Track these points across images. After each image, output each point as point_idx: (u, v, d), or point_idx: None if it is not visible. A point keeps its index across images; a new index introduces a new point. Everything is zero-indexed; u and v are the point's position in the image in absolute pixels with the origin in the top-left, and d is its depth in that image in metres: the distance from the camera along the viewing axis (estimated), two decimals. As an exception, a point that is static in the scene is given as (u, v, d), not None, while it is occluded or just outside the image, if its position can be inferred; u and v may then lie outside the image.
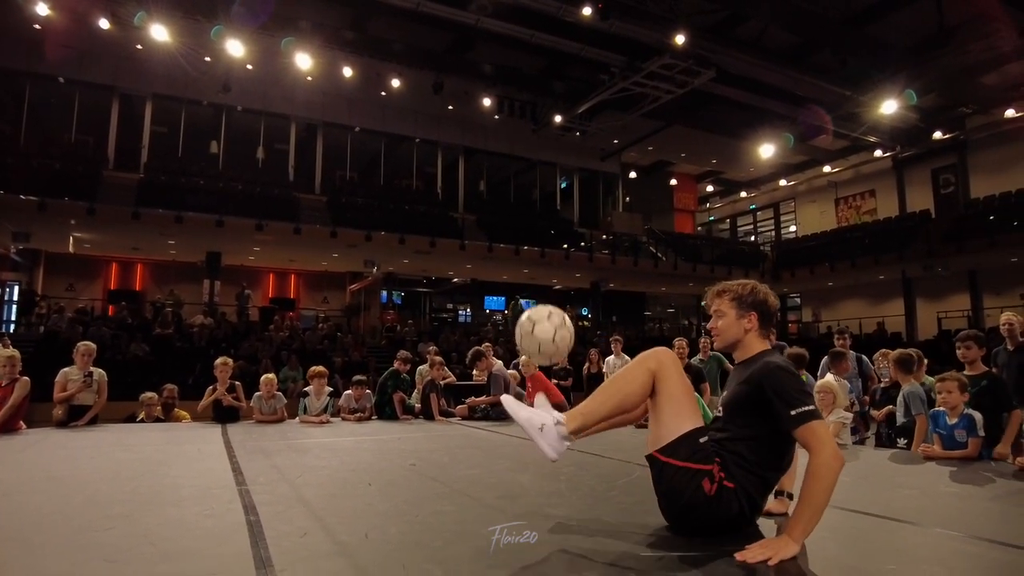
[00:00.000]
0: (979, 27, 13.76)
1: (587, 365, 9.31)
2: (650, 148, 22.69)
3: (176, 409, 6.71)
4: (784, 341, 8.28)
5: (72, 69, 16.07)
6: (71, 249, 16.48)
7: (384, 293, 21.52)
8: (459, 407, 6.98)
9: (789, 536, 1.81)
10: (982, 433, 3.72)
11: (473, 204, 21.07)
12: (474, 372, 7.87)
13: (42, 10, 12.83)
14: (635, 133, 20.53)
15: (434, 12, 13.51)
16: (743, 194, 28.15)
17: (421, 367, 7.75)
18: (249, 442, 4.60)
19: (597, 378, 8.88)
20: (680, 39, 13.50)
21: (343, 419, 6.59)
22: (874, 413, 5.28)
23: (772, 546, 1.79)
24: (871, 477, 3.36)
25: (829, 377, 5.42)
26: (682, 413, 2.05)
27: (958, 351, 4.38)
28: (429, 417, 6.65)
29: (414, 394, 7.25)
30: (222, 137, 18.17)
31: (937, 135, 19.23)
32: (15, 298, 17.16)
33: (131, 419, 6.88)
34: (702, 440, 2.02)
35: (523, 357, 7.29)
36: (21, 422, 5.31)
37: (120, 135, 16.94)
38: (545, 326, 2.36)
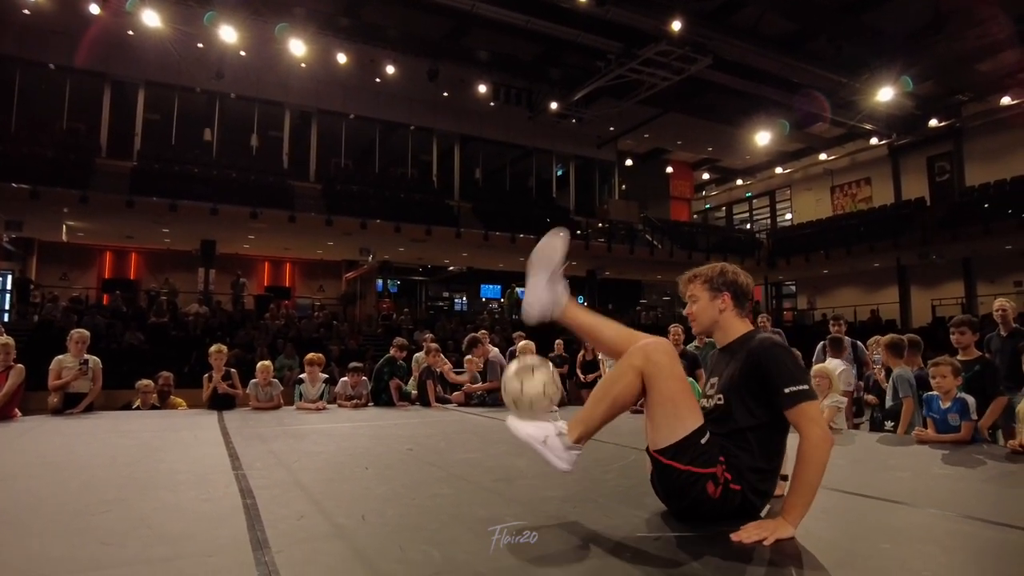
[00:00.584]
0: (974, 14, 13.73)
1: (582, 353, 9.32)
2: (646, 135, 22.63)
3: (172, 396, 6.71)
4: (779, 328, 8.30)
5: (63, 55, 15.88)
6: (64, 238, 16.38)
7: (380, 281, 21.48)
8: (455, 393, 6.99)
9: (785, 518, 1.82)
10: (975, 417, 3.75)
11: (469, 192, 20.99)
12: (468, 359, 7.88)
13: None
14: (631, 120, 20.45)
15: (429, -3, 13.40)
16: (739, 182, 28.13)
17: (417, 355, 7.76)
18: (246, 428, 4.60)
19: (592, 365, 8.90)
20: (676, 26, 13.43)
21: (339, 405, 6.61)
22: (868, 398, 5.32)
23: (768, 527, 1.80)
24: (865, 460, 3.38)
25: (829, 362, 5.46)
26: (679, 414, 1.96)
27: (952, 336, 4.41)
28: (426, 404, 6.67)
29: (411, 381, 7.26)
30: (216, 124, 18.02)
31: (933, 123, 19.23)
32: (8, 287, 17.07)
33: (127, 407, 6.88)
34: (703, 441, 1.95)
35: (521, 343, 7.31)
36: (16, 410, 5.30)
37: (112, 122, 16.78)
38: (534, 384, 2.14)
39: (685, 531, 1.89)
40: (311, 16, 14.19)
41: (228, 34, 13.53)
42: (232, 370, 6.38)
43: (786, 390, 1.88)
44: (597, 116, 18.85)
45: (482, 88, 17.21)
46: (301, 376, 6.53)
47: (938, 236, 18.39)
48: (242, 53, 15.26)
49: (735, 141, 21.51)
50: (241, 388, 6.32)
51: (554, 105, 17.78)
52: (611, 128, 21.51)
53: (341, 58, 15.55)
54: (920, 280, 20.52)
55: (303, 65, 15.87)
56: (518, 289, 22.59)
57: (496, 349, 7.51)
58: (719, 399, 2.08)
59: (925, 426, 3.96)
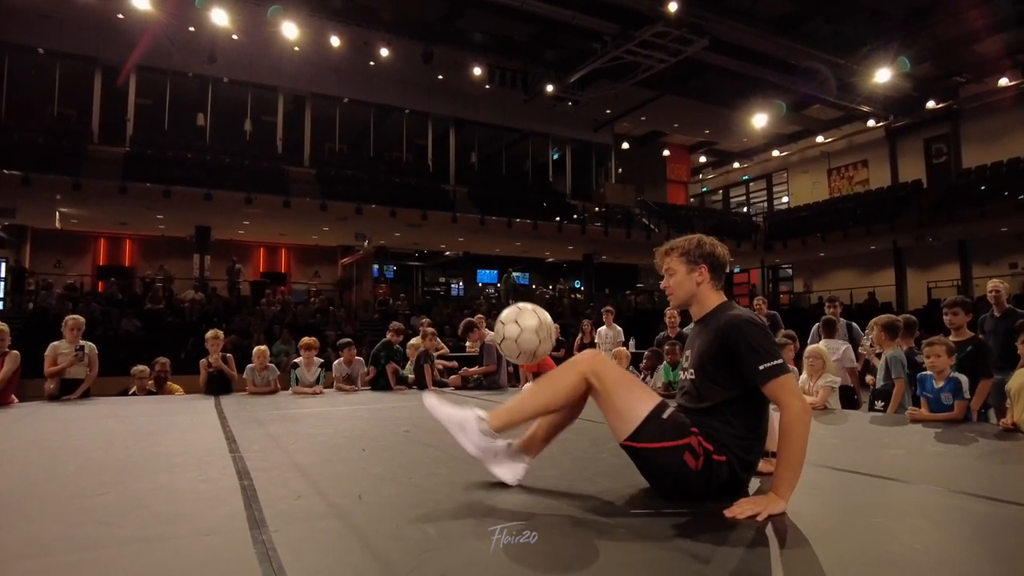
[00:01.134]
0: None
1: (580, 336, 9.35)
2: (643, 118, 22.50)
3: (169, 382, 6.72)
4: (775, 311, 8.32)
5: (52, 39, 15.67)
6: (58, 225, 16.28)
7: (376, 267, 21.45)
8: (452, 377, 7.02)
9: (776, 494, 1.83)
10: (968, 396, 3.78)
11: (464, 176, 20.89)
12: (467, 344, 7.90)
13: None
14: (628, 103, 20.33)
15: (423, -22, 13.25)
16: (736, 165, 28.06)
17: (414, 339, 7.77)
18: (243, 412, 4.61)
19: (589, 348, 8.92)
20: (673, 7, 13.31)
21: (338, 389, 6.63)
22: (868, 379, 5.37)
23: (760, 503, 1.81)
24: (859, 439, 3.41)
25: (825, 342, 5.49)
26: (632, 399, 2.01)
27: (945, 317, 4.44)
28: (423, 387, 6.69)
29: (408, 365, 7.28)
30: (208, 109, 17.85)
31: (930, 104, 19.16)
32: (2, 275, 17.00)
33: (123, 393, 6.89)
34: (666, 416, 1.98)
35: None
36: (13, 396, 5.30)
37: (104, 108, 16.61)
38: (529, 336, 2.33)
39: (679, 508, 1.91)
40: (304, -2, 14.02)
41: (219, 17, 13.37)
42: (228, 355, 6.39)
43: (760, 367, 1.89)
44: (593, 99, 18.73)
45: (477, 71, 17.06)
46: (296, 360, 6.54)
47: (934, 218, 18.41)
48: (234, 37, 15.09)
49: (732, 124, 21.42)
50: (236, 372, 6.33)
51: (550, 88, 17.65)
52: (608, 111, 21.39)
53: (335, 41, 15.38)
54: (916, 262, 20.58)
55: (296, 48, 15.71)
56: (515, 274, 22.59)
57: (492, 333, 7.52)
58: (691, 374, 2.10)
59: (918, 406, 3.99)
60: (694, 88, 19.04)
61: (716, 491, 1.96)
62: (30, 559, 1.51)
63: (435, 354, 7.28)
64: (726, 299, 2.16)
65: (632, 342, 9.86)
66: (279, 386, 6.42)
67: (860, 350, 5.78)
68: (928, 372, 3.90)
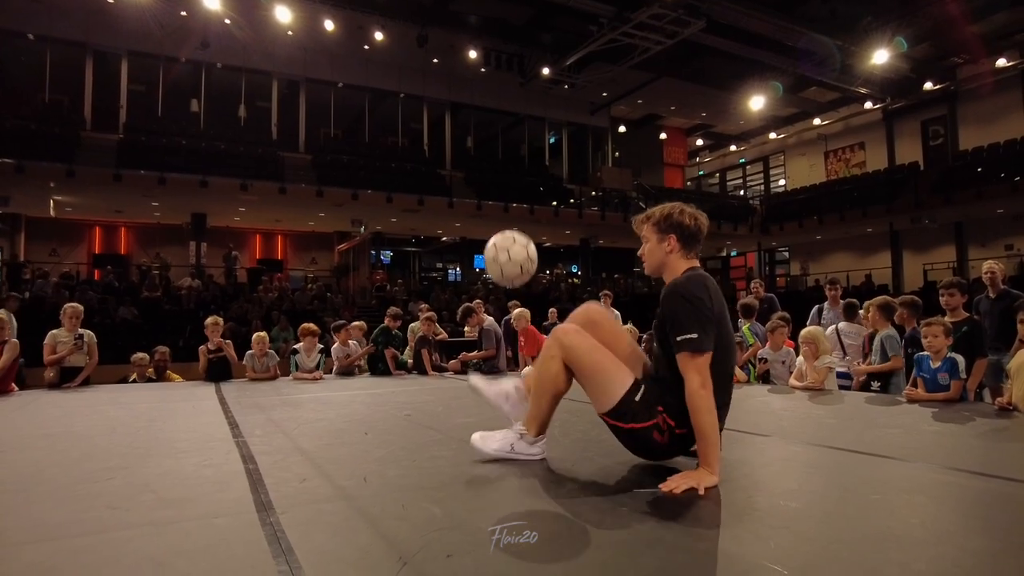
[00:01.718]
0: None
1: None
2: (640, 101, 22.39)
3: (168, 371, 6.73)
4: (772, 293, 8.34)
5: (42, 25, 15.46)
6: (52, 213, 16.18)
7: (373, 253, 21.40)
8: (452, 362, 7.04)
9: (705, 468, 1.91)
10: (964, 376, 3.81)
11: (461, 161, 20.79)
12: (465, 328, 7.93)
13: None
14: (624, 86, 20.21)
15: (416, -40, 13.09)
16: (733, 148, 27.98)
17: (413, 324, 7.79)
18: (244, 398, 4.63)
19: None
20: (670, -13, 13.20)
21: (339, 365, 6.69)
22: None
23: (694, 477, 1.88)
24: (856, 418, 3.45)
25: (842, 325, 5.51)
26: (608, 379, 2.09)
27: (941, 298, 4.47)
28: (422, 372, 6.72)
29: (406, 351, 7.31)
30: (202, 95, 17.69)
31: (928, 86, 19.10)
32: (-1, 263, 16.92)
33: (123, 381, 6.91)
34: (638, 398, 2.06)
35: (516, 311, 7.34)
36: (13, 384, 5.31)
37: (96, 94, 16.44)
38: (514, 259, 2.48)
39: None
40: (296, -19, 13.86)
41: (212, 1, 13.21)
42: (228, 341, 6.40)
43: (677, 338, 1.96)
44: (590, 82, 18.62)
45: (472, 54, 16.93)
46: (296, 346, 6.56)
47: (931, 200, 18.42)
48: (227, 21, 14.93)
49: (729, 106, 21.33)
50: (235, 356, 6.35)
51: (546, 71, 17.53)
52: (604, 94, 21.27)
53: (328, 25, 15.23)
54: (912, 244, 20.62)
55: (290, 33, 15.55)
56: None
57: (491, 318, 7.55)
58: (653, 344, 2.23)
59: (915, 385, 4.03)
60: (691, 70, 18.92)
61: (670, 453, 2.14)
62: (41, 543, 1.52)
63: (435, 338, 7.30)
64: (695, 266, 2.20)
65: (629, 325, 9.87)
66: (279, 372, 6.44)
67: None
68: (925, 352, 3.94)
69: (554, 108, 21.82)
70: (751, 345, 5.82)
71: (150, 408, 4.17)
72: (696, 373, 1.93)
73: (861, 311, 5.38)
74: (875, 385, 4.72)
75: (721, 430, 2.07)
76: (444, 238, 23.12)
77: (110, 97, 16.54)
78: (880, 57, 16.09)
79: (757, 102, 19.42)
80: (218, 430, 3.20)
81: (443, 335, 8.01)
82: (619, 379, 2.09)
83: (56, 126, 15.46)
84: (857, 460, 2.36)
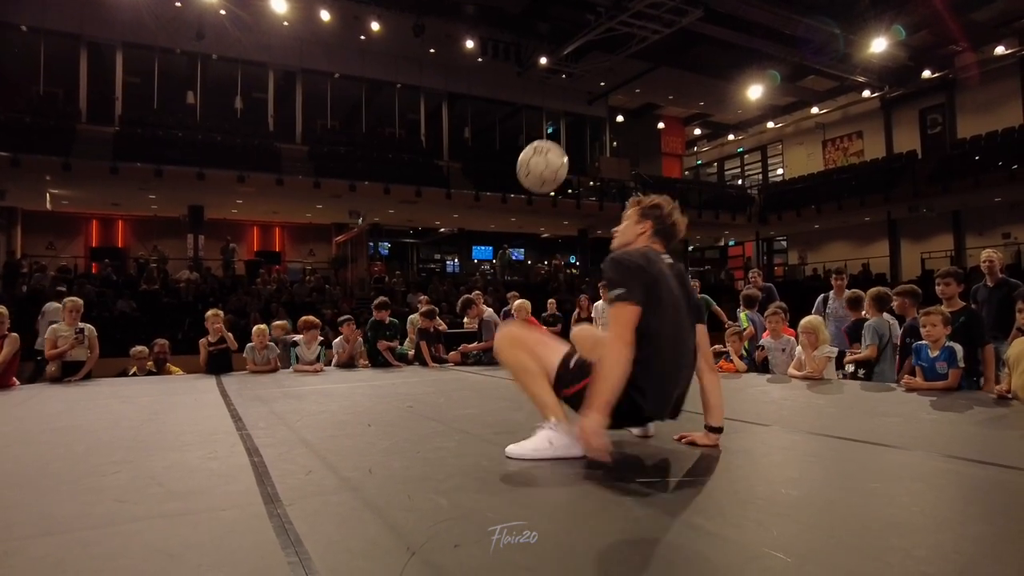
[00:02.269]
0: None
1: (576, 311, 9.39)
2: (637, 91, 22.30)
3: (168, 364, 6.74)
4: (770, 283, 8.37)
5: (35, 16, 15.33)
6: (48, 206, 16.11)
7: (370, 244, 21.37)
8: (452, 353, 7.06)
9: (588, 409, 2.00)
10: (963, 365, 3.84)
11: (458, 152, 20.72)
12: (465, 320, 7.94)
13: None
14: (622, 75, 20.12)
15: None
16: (730, 137, 27.91)
17: (412, 316, 7.79)
18: (245, 391, 4.65)
19: (586, 323, 8.97)
20: (668, -24, 13.12)
21: (338, 359, 6.70)
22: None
23: (579, 427, 2.00)
24: (856, 407, 3.47)
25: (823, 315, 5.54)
26: (546, 354, 2.28)
27: (937, 288, 4.49)
28: (423, 364, 6.73)
29: (407, 342, 7.32)
30: (198, 87, 17.59)
31: (926, 74, 19.05)
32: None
33: (122, 374, 6.92)
34: (572, 363, 2.23)
35: (516, 303, 7.35)
36: (14, 378, 5.31)
37: (91, 86, 16.33)
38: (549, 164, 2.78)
39: (680, 476, 1.95)
40: (291, -29, 13.75)
41: (206, -9, 13.11)
42: (228, 333, 6.40)
43: (611, 295, 2.11)
44: (587, 71, 18.53)
45: (469, 43, 16.84)
46: (295, 339, 6.56)
47: (929, 189, 18.42)
48: (222, 12, 14.82)
49: (727, 95, 21.25)
50: (236, 344, 6.36)
51: (543, 60, 17.44)
52: (602, 83, 21.17)
53: (324, 15, 15.13)
54: (910, 233, 20.64)
55: (285, 24, 15.44)
56: (510, 250, 22.56)
57: (490, 309, 7.56)
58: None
59: (913, 374, 4.05)
60: (689, 59, 18.84)
61: (622, 418, 2.16)
62: (51, 536, 1.54)
63: (435, 330, 7.31)
64: (656, 250, 2.29)
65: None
66: (279, 364, 6.45)
67: None
68: (924, 341, 3.96)
69: (552, 98, 21.73)
70: (743, 329, 5.95)
71: (153, 401, 4.18)
72: (616, 323, 2.04)
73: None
74: (861, 373, 4.80)
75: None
76: (442, 229, 23.08)
77: (105, 89, 16.43)
78: (878, 45, 16.04)
79: (755, 91, 19.37)
80: (221, 423, 3.21)
81: (442, 327, 8.03)
82: (554, 349, 2.30)
83: (51, 119, 15.36)
84: (857, 448, 2.38)
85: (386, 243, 23.60)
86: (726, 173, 29.41)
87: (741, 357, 5.70)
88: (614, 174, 21.79)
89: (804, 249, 24.21)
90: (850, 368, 4.92)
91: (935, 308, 3.95)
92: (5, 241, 16.67)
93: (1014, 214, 18.05)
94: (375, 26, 15.83)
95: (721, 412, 2.34)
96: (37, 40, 15.87)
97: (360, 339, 6.90)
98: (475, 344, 7.03)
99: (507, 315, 7.74)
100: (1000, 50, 17.65)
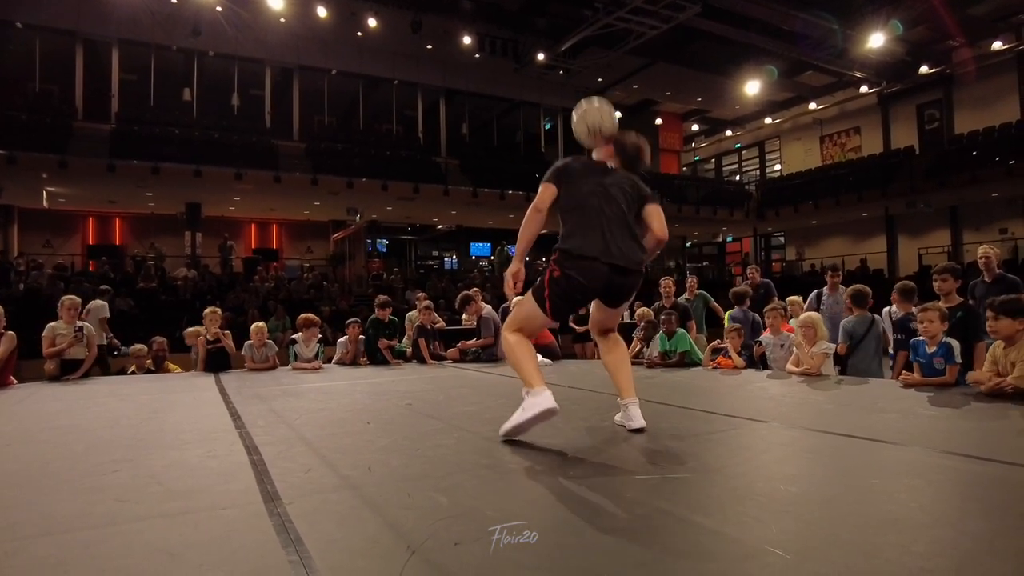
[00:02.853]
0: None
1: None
2: (635, 87, 22.27)
3: (167, 362, 6.73)
4: (768, 279, 8.37)
5: (30, 12, 15.24)
6: (45, 204, 16.06)
7: (368, 241, 21.35)
8: (450, 350, 7.06)
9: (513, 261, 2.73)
10: (959, 360, 3.84)
11: (456, 148, 20.67)
12: (463, 316, 7.94)
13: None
14: (620, 71, 20.09)
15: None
16: (728, 133, 27.90)
17: (410, 313, 7.79)
18: (244, 388, 4.64)
19: (584, 319, 8.95)
20: (665, -29, 13.09)
21: (339, 357, 6.71)
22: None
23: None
24: (854, 403, 3.48)
25: (838, 308, 5.55)
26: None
27: (934, 283, 4.49)
28: (421, 361, 6.73)
29: (404, 339, 7.31)
30: (195, 84, 17.52)
31: (923, 69, 19.04)
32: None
33: (121, 372, 6.91)
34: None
35: (514, 300, 7.33)
36: (12, 377, 5.30)
37: (87, 83, 16.26)
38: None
39: (678, 474, 1.96)
40: (288, -33, 13.69)
41: (202, -12, 13.05)
42: (226, 331, 6.40)
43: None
44: (585, 67, 18.50)
45: (467, 40, 16.79)
46: (294, 337, 6.56)
47: (926, 185, 18.43)
48: (218, 8, 14.76)
49: (724, 91, 21.23)
50: (234, 348, 6.35)
51: (541, 56, 17.40)
52: (599, 79, 21.12)
53: (321, 12, 15.07)
54: (907, 229, 20.67)
55: (282, 20, 15.38)
56: (509, 246, 22.53)
57: (489, 306, 7.55)
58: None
59: (911, 371, 4.06)
60: (686, 55, 18.82)
61: (573, 291, 2.62)
62: (52, 535, 1.54)
63: (432, 327, 7.31)
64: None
65: (627, 312, 9.93)
66: (277, 362, 6.45)
67: None
68: (921, 337, 3.97)
69: (549, 94, 21.68)
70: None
71: (152, 400, 4.18)
72: (537, 198, 2.68)
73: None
74: (835, 368, 4.88)
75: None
76: (440, 226, 23.05)
77: (101, 86, 16.35)
78: (875, 41, 16.03)
79: (752, 87, 19.35)
80: (220, 421, 3.21)
81: (441, 324, 8.02)
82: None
83: (47, 116, 15.30)
84: (856, 445, 2.39)
85: (384, 240, 23.56)
86: (724, 169, 29.41)
87: (739, 353, 5.70)
88: (612, 170, 21.72)
89: (802, 245, 24.23)
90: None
91: (932, 304, 3.96)
92: (2, 239, 16.62)
93: (1011, 210, 18.08)
94: (372, 22, 15.79)
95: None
96: (32, 37, 15.81)
97: (362, 337, 6.90)
98: (473, 341, 7.03)
99: (506, 312, 7.74)
100: (997, 45, 17.65)
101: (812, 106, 23.56)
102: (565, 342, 9.57)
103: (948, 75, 19.47)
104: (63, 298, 5.83)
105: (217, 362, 6.21)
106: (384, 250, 23.44)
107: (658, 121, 26.43)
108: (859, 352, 4.85)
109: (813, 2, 15.31)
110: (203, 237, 17.12)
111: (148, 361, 6.62)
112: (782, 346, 5.23)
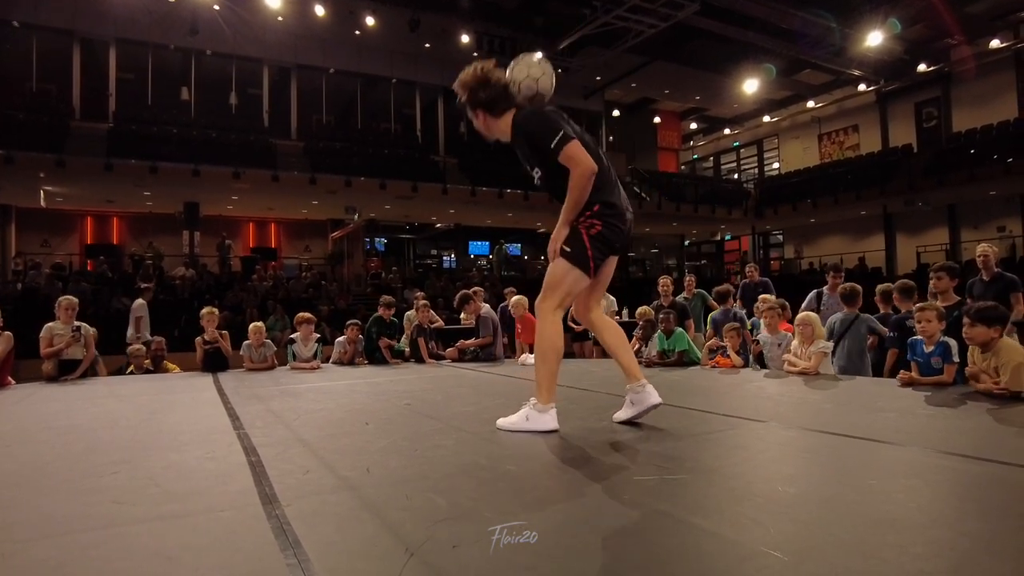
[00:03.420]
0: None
1: (572, 305, 9.38)
2: (633, 85, 22.27)
3: (165, 361, 6.73)
4: (767, 278, 8.37)
5: (28, 12, 15.20)
6: (43, 203, 16.04)
7: (367, 240, 21.33)
8: (449, 350, 7.05)
9: (560, 225, 2.69)
10: (957, 359, 3.85)
11: (454, 147, 20.65)
12: (462, 316, 7.94)
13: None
14: (618, 70, 20.09)
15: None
16: (727, 131, 27.91)
17: (408, 312, 7.79)
18: (242, 389, 4.64)
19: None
20: (663, -31, 13.09)
21: (336, 356, 6.70)
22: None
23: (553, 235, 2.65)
24: (851, 403, 3.48)
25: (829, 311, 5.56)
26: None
27: (931, 282, 4.50)
28: (420, 361, 6.73)
29: (403, 339, 7.31)
30: (192, 83, 17.50)
31: (922, 68, 19.06)
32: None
33: (119, 372, 6.90)
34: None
35: (514, 299, 7.34)
36: (9, 377, 5.30)
37: (84, 82, 16.23)
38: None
39: (678, 473, 1.96)
40: (285, -34, 13.67)
41: (200, -14, 13.03)
42: (224, 332, 6.39)
43: (551, 143, 2.49)
44: (583, 66, 18.49)
45: (465, 38, 16.77)
46: (293, 336, 6.56)
47: (924, 183, 18.46)
48: (215, 7, 14.73)
49: (723, 89, 21.24)
50: (232, 350, 6.34)
51: (539, 55, 17.39)
52: (598, 78, 21.13)
53: (319, 10, 15.06)
54: (905, 227, 20.70)
55: (280, 19, 15.35)
56: (507, 245, 22.54)
57: (487, 305, 7.55)
58: (536, 173, 2.79)
59: (908, 369, 4.07)
60: (685, 54, 18.82)
61: (612, 241, 2.65)
62: (50, 538, 1.53)
63: (431, 326, 7.31)
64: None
65: (625, 311, 9.93)
66: (276, 362, 6.45)
67: None
68: (919, 337, 3.97)
69: (548, 93, 21.65)
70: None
71: (150, 400, 4.17)
72: (577, 158, 2.45)
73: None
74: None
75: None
76: (438, 225, 23.04)
77: (99, 86, 16.34)
78: (874, 39, 16.04)
79: (751, 85, 19.36)
80: (219, 422, 3.21)
81: (439, 323, 8.02)
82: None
83: (45, 115, 15.28)
84: (854, 445, 2.39)
85: (382, 239, 23.54)
86: (722, 167, 29.42)
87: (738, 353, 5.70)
88: (610, 169, 21.73)
89: (800, 243, 24.25)
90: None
91: (929, 303, 3.96)
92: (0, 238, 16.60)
93: (1009, 208, 18.11)
94: (370, 21, 15.77)
95: None
96: (30, 36, 15.78)
97: (362, 337, 6.90)
98: (472, 340, 7.03)
99: (504, 312, 7.74)
100: (995, 43, 17.67)
101: (810, 104, 23.58)
102: (564, 342, 9.57)
103: (946, 73, 19.49)
104: (61, 298, 5.83)
105: (215, 362, 6.21)
106: (382, 249, 23.42)
107: (656, 119, 26.44)
108: (840, 349, 4.93)
109: (811, 0, 15.31)
110: (201, 236, 17.11)
111: (146, 361, 6.62)
112: (779, 345, 5.23)
